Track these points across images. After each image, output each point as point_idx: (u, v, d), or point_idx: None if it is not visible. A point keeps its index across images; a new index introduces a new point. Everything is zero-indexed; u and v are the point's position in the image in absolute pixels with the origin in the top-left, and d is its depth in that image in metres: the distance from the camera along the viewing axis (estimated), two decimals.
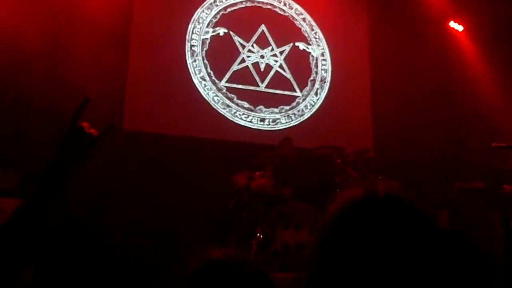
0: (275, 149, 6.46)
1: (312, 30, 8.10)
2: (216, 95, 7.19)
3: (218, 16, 7.52)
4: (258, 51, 7.59)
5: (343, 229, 0.93)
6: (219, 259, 1.28)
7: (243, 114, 7.30)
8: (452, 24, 8.39)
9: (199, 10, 7.41)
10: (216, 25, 7.47)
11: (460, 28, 8.36)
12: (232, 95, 7.29)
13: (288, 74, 7.69)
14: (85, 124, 1.31)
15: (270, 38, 7.70)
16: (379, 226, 0.90)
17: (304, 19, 8.09)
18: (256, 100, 7.42)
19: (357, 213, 0.93)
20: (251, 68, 7.50)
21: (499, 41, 7.72)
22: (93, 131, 1.32)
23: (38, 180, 1.24)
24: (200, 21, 7.39)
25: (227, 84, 7.31)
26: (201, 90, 7.11)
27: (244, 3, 7.75)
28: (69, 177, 1.26)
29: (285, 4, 8.03)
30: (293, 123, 7.57)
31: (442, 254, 0.90)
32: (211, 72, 7.24)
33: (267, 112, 7.46)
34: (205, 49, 7.30)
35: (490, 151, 5.70)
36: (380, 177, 6.39)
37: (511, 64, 7.56)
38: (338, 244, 0.92)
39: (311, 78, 7.87)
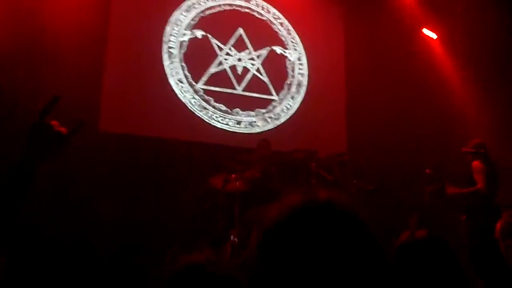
0: (252, 151, 6.50)
1: (289, 34, 8.18)
2: (193, 98, 7.20)
3: (197, 19, 7.54)
4: (236, 54, 7.63)
5: (277, 234, 0.95)
6: (201, 263, 1.29)
7: (220, 116, 7.33)
8: (426, 31, 8.56)
9: (177, 12, 7.42)
10: (194, 27, 7.48)
11: (433, 35, 8.55)
12: (209, 98, 7.31)
13: (265, 78, 7.75)
14: (54, 123, 1.32)
15: (247, 42, 7.74)
16: (312, 231, 0.91)
17: (281, 24, 8.16)
18: (233, 103, 7.45)
19: (292, 219, 0.94)
20: (229, 71, 7.53)
21: (471, 49, 7.91)
22: (62, 129, 1.33)
23: (6, 176, 1.26)
24: (178, 23, 7.39)
25: (204, 87, 7.32)
26: (178, 92, 7.11)
27: (222, 6, 7.79)
28: (35, 174, 1.27)
29: (263, 8, 8.09)
30: (269, 126, 7.63)
31: (371, 260, 0.92)
32: (188, 75, 7.25)
33: (243, 115, 7.50)
34: (182, 51, 7.30)
35: (461, 155, 5.85)
36: (354, 181, 6.51)
37: (482, 71, 7.75)
38: (271, 249, 0.94)
39: (288, 82, 7.94)
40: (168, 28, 7.28)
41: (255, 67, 7.72)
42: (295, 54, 8.12)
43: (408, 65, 8.19)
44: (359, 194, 6.33)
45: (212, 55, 7.47)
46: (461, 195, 5.66)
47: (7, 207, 1.23)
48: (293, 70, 8.04)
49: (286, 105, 7.82)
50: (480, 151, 5.56)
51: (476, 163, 5.57)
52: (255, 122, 7.55)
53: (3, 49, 5.85)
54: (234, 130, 7.39)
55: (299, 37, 8.22)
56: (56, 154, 1.31)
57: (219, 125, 7.29)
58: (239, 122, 7.44)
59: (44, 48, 6.18)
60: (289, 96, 7.88)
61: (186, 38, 7.37)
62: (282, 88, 7.86)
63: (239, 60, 7.64)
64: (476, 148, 5.59)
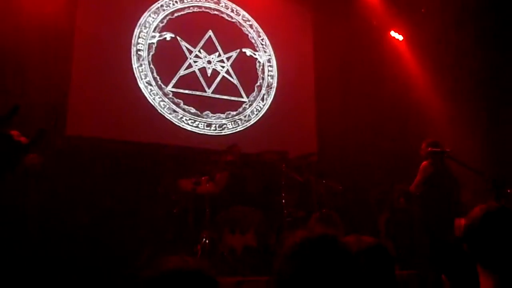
0: (222, 154, 6.49)
1: (259, 36, 8.21)
2: (163, 100, 7.16)
3: (165, 21, 7.50)
4: (205, 57, 7.62)
5: (292, 264, 1.32)
6: (178, 267, 1.28)
7: (190, 119, 7.30)
8: (393, 33, 8.72)
9: (145, 14, 7.36)
10: (163, 29, 7.44)
11: (400, 37, 8.71)
12: (179, 100, 7.28)
13: (235, 80, 7.76)
14: (14, 132, 1.31)
15: (217, 44, 7.74)
16: (315, 261, 1.30)
17: (251, 26, 8.19)
18: (203, 105, 7.44)
19: (302, 250, 1.33)
20: (198, 74, 7.52)
21: (435, 51, 8.08)
22: (22, 139, 1.32)
23: None
24: (147, 25, 7.34)
25: (174, 89, 7.29)
26: (147, 95, 7.06)
27: (191, 8, 7.77)
28: None
29: (232, 11, 8.11)
30: (239, 128, 7.64)
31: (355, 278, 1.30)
32: (158, 77, 7.20)
33: (213, 118, 7.49)
34: (151, 53, 7.25)
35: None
36: (324, 181, 6.57)
37: (446, 72, 7.92)
38: (290, 275, 1.31)
39: (258, 84, 7.97)
40: (136, 30, 7.21)
41: (225, 70, 7.72)
42: (265, 56, 8.16)
43: (376, 65, 8.32)
44: (328, 194, 6.39)
45: (181, 58, 7.44)
46: (398, 193, 5.80)
47: None
48: (263, 72, 8.07)
49: (256, 107, 7.85)
50: (435, 150, 5.62)
51: (423, 163, 5.67)
52: (225, 124, 7.56)
53: None
54: (204, 133, 7.37)
55: (269, 39, 8.26)
56: (16, 163, 1.30)
57: (189, 128, 7.27)
58: (209, 125, 7.43)
59: (8, 51, 6.04)
60: (259, 98, 7.91)
61: (154, 41, 7.32)
62: (252, 90, 7.88)
63: (209, 62, 7.63)
64: (430, 146, 5.65)
